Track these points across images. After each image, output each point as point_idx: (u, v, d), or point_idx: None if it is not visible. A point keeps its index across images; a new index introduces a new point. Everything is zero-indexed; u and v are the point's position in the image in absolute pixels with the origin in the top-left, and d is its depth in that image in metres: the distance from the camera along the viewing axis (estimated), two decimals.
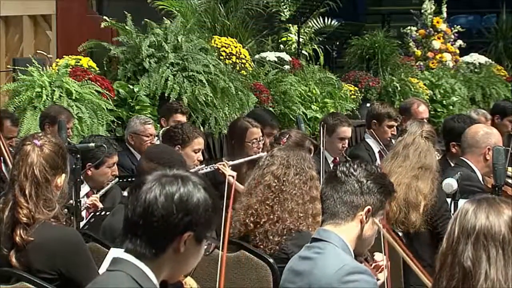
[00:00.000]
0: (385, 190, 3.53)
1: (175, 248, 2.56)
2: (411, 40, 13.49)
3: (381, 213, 3.54)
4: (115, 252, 3.03)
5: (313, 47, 12.91)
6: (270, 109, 9.03)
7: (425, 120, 7.98)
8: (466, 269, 2.54)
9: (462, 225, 2.58)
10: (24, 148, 3.88)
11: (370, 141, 7.88)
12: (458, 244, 2.57)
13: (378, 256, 3.94)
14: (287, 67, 10.54)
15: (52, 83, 7.87)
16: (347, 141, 7.52)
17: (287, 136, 6.33)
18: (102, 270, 3.72)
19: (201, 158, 6.49)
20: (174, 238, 2.55)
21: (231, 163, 6.66)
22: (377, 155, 7.78)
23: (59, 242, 3.78)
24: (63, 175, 3.91)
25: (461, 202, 4.69)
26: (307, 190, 4.43)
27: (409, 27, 13.65)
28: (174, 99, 8.29)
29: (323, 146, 6.87)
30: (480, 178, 5.77)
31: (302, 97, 9.84)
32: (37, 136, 3.95)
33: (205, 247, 2.68)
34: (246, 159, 6.72)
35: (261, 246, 4.46)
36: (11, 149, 6.78)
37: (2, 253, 3.79)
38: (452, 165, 6.51)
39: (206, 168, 6.58)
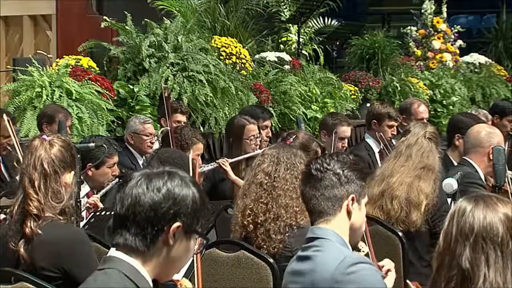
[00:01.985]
0: (362, 174, 3.53)
1: (164, 240, 2.57)
2: (411, 40, 13.48)
3: (364, 197, 3.54)
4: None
5: (313, 47, 12.90)
6: (270, 109, 9.03)
7: (425, 120, 7.98)
8: (464, 271, 2.54)
9: (459, 226, 2.58)
10: (33, 143, 3.94)
11: (370, 141, 7.88)
12: (456, 245, 2.56)
13: (384, 262, 3.96)
14: (287, 67, 10.54)
15: (52, 83, 7.87)
16: (346, 140, 7.53)
17: (293, 137, 6.33)
18: None
19: (200, 162, 6.51)
20: (162, 229, 2.57)
21: (230, 160, 6.69)
22: (377, 155, 7.78)
23: (63, 241, 3.82)
24: (72, 172, 3.95)
25: None
26: (299, 184, 4.43)
27: (409, 27, 13.64)
28: (174, 99, 8.29)
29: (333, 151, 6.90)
30: (483, 178, 5.77)
31: (302, 97, 9.83)
32: (47, 134, 4.02)
33: (196, 246, 2.68)
34: (245, 156, 6.75)
35: (264, 246, 4.45)
36: (9, 148, 6.79)
37: (10, 248, 3.81)
38: (454, 162, 6.52)
39: (207, 166, 6.61)
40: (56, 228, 3.81)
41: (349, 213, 3.48)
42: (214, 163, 6.68)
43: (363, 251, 4.00)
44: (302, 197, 3.57)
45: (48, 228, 3.79)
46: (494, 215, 2.56)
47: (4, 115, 5.68)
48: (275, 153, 4.54)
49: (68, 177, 3.92)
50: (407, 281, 3.74)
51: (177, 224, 2.58)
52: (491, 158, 5.60)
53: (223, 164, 6.63)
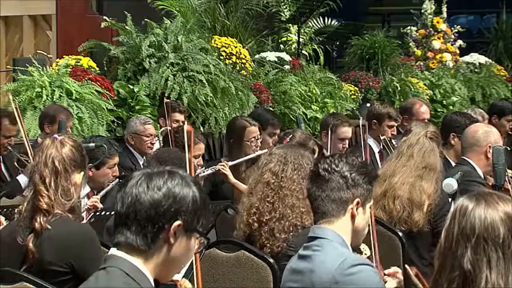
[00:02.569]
0: (370, 178, 3.52)
1: (165, 239, 2.58)
2: (411, 40, 13.47)
3: (370, 201, 3.54)
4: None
5: (313, 47, 12.89)
6: (270, 109, 9.02)
7: (426, 121, 7.98)
8: (466, 272, 2.53)
9: (461, 226, 2.57)
10: (44, 142, 4.00)
11: (370, 141, 7.87)
12: (457, 246, 2.56)
13: (392, 270, 3.96)
14: (287, 67, 10.54)
15: (52, 83, 7.88)
16: (347, 141, 7.52)
17: (290, 136, 6.32)
18: None
19: (201, 162, 6.50)
20: (163, 227, 2.57)
21: (230, 163, 6.67)
22: (377, 155, 7.78)
23: (73, 236, 3.87)
24: (82, 173, 4.00)
25: None
26: (306, 183, 4.42)
27: (409, 27, 13.63)
28: (174, 99, 8.29)
29: (330, 151, 6.88)
30: (482, 177, 5.77)
31: (302, 97, 9.83)
32: (58, 135, 4.08)
33: (197, 246, 2.68)
34: (245, 158, 6.74)
35: (268, 245, 4.45)
36: (10, 148, 6.80)
37: (17, 244, 3.85)
38: (452, 163, 6.52)
39: (207, 170, 6.59)
40: (65, 224, 3.86)
41: (353, 217, 3.47)
42: (213, 167, 6.65)
43: (365, 254, 3.99)
44: (308, 196, 3.56)
45: (57, 224, 3.84)
46: (495, 215, 2.56)
47: (11, 97, 5.72)
48: (283, 153, 4.54)
49: (78, 177, 3.98)
50: (406, 266, 3.73)
51: (177, 222, 2.58)
52: (489, 156, 5.60)
53: (222, 168, 6.60)
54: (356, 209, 3.47)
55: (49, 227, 3.82)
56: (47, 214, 3.84)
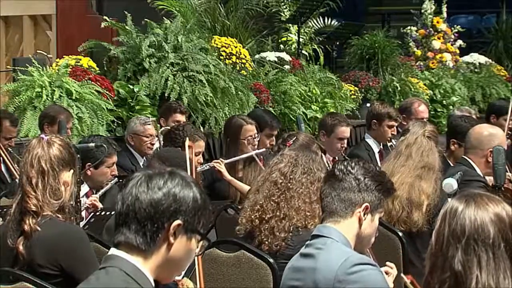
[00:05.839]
0: (384, 188, 3.53)
1: (165, 238, 2.58)
2: (411, 40, 13.48)
3: (380, 211, 3.54)
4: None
5: (313, 47, 12.89)
6: (271, 109, 9.02)
7: (425, 120, 7.98)
8: (457, 273, 2.54)
9: (451, 227, 2.58)
10: (32, 143, 3.97)
11: (370, 141, 7.88)
12: (448, 247, 2.57)
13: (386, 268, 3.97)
14: (287, 67, 10.53)
15: (52, 83, 7.88)
16: (346, 141, 7.51)
17: (293, 139, 6.32)
18: None
19: (201, 160, 6.49)
20: (163, 226, 2.57)
21: (226, 161, 6.66)
22: (377, 155, 7.78)
23: (61, 237, 3.83)
24: (71, 171, 3.96)
25: None
26: (314, 190, 4.40)
27: (409, 27, 13.64)
28: (174, 99, 8.29)
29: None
30: (482, 176, 5.76)
31: (302, 97, 9.83)
32: (46, 134, 4.05)
33: (198, 249, 2.67)
34: (242, 156, 6.74)
35: (266, 242, 4.45)
36: (10, 149, 6.81)
37: (8, 246, 3.83)
38: (451, 164, 6.51)
39: (202, 167, 6.59)
40: (54, 225, 3.83)
41: (359, 221, 3.48)
42: (208, 164, 6.65)
43: None
44: (320, 194, 3.58)
45: (47, 225, 3.81)
46: (485, 216, 2.56)
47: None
48: (294, 155, 4.54)
49: (67, 176, 3.94)
50: (402, 274, 3.73)
51: (177, 222, 2.58)
52: (489, 160, 5.58)
53: (217, 165, 6.60)
54: (364, 213, 3.47)
55: (39, 228, 3.79)
56: (36, 215, 3.81)
